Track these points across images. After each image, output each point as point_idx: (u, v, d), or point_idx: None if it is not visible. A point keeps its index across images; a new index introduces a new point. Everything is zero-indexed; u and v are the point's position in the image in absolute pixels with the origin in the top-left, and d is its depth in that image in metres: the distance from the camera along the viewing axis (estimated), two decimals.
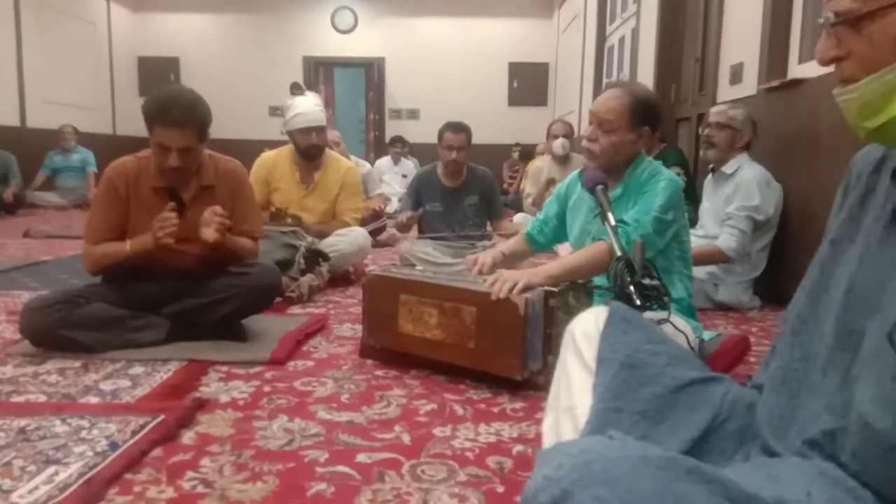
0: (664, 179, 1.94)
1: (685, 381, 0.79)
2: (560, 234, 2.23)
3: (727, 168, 2.98)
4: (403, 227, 3.67)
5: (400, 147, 7.89)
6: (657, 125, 2.05)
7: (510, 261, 2.13)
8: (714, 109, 3.14)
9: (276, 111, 9.30)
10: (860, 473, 0.62)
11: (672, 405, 0.77)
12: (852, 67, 0.66)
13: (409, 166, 7.84)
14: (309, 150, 3.40)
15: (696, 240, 2.87)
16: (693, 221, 3.02)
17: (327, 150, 3.55)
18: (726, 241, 2.83)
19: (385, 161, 7.77)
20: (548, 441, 0.88)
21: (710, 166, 3.12)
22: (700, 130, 3.17)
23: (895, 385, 0.58)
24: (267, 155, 3.56)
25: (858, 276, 0.67)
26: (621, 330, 0.84)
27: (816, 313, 0.71)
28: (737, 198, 2.87)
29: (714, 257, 2.85)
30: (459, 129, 3.50)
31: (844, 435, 0.63)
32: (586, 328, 0.89)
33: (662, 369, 0.79)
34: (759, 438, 0.73)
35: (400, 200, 4.63)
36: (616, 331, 0.84)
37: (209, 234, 2.08)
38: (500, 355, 1.77)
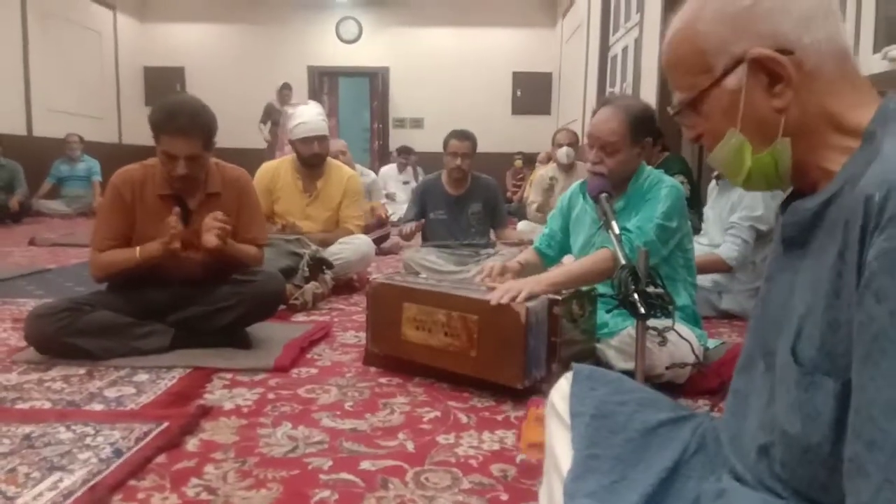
0: (666, 187, 1.94)
1: (654, 423, 0.86)
2: (567, 247, 2.23)
3: None
4: (407, 237, 3.69)
5: (405, 157, 7.85)
6: (656, 134, 2.06)
7: (526, 271, 2.11)
8: None
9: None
10: (790, 480, 0.67)
11: (644, 448, 0.84)
12: (707, 141, 0.77)
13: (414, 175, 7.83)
14: (310, 160, 3.41)
15: (701, 248, 2.87)
16: (697, 229, 3.02)
17: (329, 158, 3.56)
18: (728, 250, 2.83)
19: (389, 169, 7.69)
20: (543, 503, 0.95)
21: (715, 174, 3.11)
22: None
23: (800, 391, 0.64)
24: (268, 164, 3.58)
25: (771, 303, 0.76)
26: (588, 387, 0.92)
27: (755, 342, 0.79)
28: (741, 207, 2.87)
29: (715, 266, 2.85)
30: (465, 136, 3.53)
31: (774, 447, 0.69)
32: (563, 390, 0.97)
33: (631, 416, 0.87)
34: (728, 462, 0.79)
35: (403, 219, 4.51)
36: (583, 388, 0.92)
37: (210, 239, 2.09)
38: (501, 364, 1.77)
